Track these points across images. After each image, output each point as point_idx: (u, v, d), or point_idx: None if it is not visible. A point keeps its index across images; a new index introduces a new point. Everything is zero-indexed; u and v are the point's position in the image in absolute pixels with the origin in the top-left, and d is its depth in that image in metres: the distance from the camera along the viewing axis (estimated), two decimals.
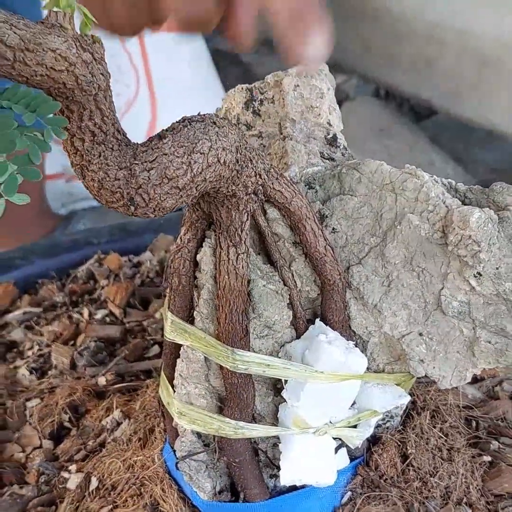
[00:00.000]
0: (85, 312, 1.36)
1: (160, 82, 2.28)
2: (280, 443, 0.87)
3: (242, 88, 0.92)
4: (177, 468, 0.86)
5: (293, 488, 0.90)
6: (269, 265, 0.83)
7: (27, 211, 1.98)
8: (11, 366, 1.26)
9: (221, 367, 0.83)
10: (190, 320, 0.83)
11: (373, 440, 0.96)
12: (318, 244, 0.80)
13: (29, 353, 1.29)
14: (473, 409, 1.09)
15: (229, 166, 0.72)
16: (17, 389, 1.21)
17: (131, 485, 0.94)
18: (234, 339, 0.79)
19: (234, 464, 0.84)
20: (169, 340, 0.83)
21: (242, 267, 0.78)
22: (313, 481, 0.84)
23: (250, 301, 0.81)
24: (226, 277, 0.78)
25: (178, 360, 0.84)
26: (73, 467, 1.03)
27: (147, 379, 1.18)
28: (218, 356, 0.80)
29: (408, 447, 0.95)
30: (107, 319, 1.36)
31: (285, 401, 0.85)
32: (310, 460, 0.84)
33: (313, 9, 0.82)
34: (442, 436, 0.98)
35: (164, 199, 0.68)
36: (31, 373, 1.23)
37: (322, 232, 0.81)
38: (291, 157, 0.85)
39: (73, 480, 1.00)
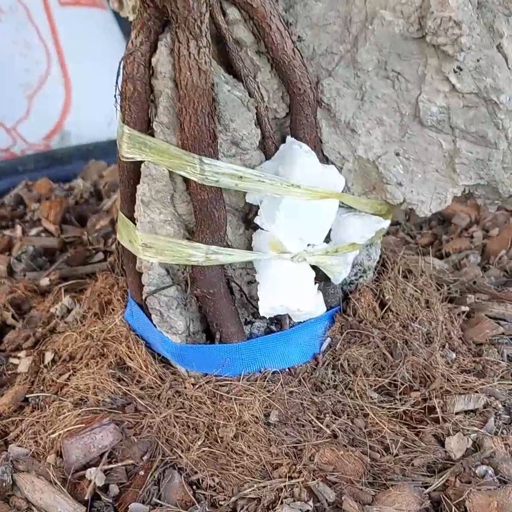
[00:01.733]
0: (18, 229, 1.27)
1: (71, 56, 2.20)
2: (255, 278, 0.80)
3: None
4: (145, 306, 0.78)
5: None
6: (231, 76, 0.77)
7: None
8: None
9: (187, 186, 0.76)
10: (149, 135, 0.76)
11: (348, 293, 0.90)
12: (285, 46, 0.74)
13: None
14: (443, 274, 1.04)
15: None
16: None
17: (91, 349, 0.85)
18: (201, 145, 0.72)
19: (208, 297, 0.77)
20: (126, 160, 0.76)
21: (205, 62, 0.71)
22: (295, 306, 0.77)
23: (215, 109, 0.74)
24: (188, 73, 0.71)
25: (139, 185, 0.76)
26: (22, 354, 0.94)
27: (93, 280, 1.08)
28: (184, 167, 0.73)
29: (385, 294, 0.90)
30: (43, 235, 1.26)
31: (258, 229, 0.78)
32: (290, 285, 0.77)
33: None
34: (417, 290, 0.93)
35: None
36: None
37: (289, 33, 0.75)
38: None
39: (24, 364, 0.91)
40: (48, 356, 0.89)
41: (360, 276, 0.91)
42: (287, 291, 0.77)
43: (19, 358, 0.94)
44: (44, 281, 1.09)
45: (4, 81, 1.93)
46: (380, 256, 0.93)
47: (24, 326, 0.99)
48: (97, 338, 0.86)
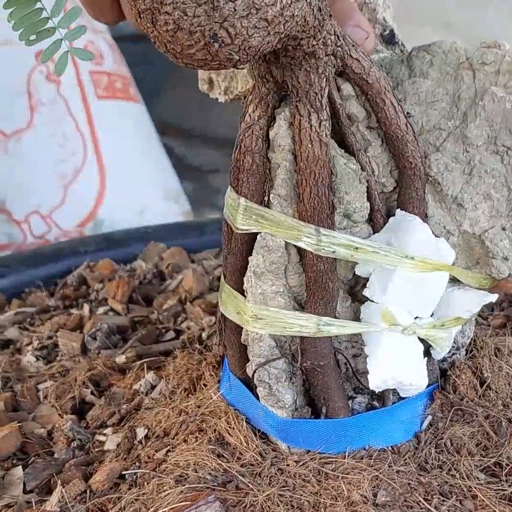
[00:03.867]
0: (85, 308, 1.26)
1: (106, 148, 2.25)
2: (361, 352, 0.79)
3: None
4: (251, 381, 0.77)
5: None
6: (343, 150, 0.77)
7: None
8: (13, 359, 1.14)
9: (301, 258, 0.75)
10: (265, 207, 0.76)
11: (444, 371, 0.88)
12: (399, 121, 0.75)
13: (29, 348, 1.17)
14: None
15: (313, 11, 0.67)
16: (24, 375, 1.08)
17: (188, 424, 0.83)
18: (320, 217, 0.73)
19: (317, 370, 0.76)
20: (241, 232, 0.76)
21: (326, 135, 0.72)
22: (407, 381, 0.76)
23: (332, 180, 0.74)
24: (309, 145, 0.72)
25: (251, 256, 0.76)
26: (108, 430, 0.92)
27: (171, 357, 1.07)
28: (301, 238, 0.73)
29: (483, 372, 0.88)
30: (110, 313, 1.25)
31: (364, 303, 0.78)
32: (401, 358, 0.76)
33: None
34: (510, 368, 0.92)
35: (251, 35, 0.62)
36: (37, 359, 1.11)
37: (402, 108, 0.76)
38: None
39: (112, 441, 0.89)
40: (141, 432, 0.87)
41: (453, 354, 0.89)
42: (399, 364, 0.76)
43: (105, 435, 0.92)
44: (120, 359, 1.08)
45: (41, 171, 1.96)
46: None
47: (107, 403, 0.97)
48: (193, 414, 0.85)
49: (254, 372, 0.77)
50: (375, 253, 0.74)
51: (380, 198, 0.79)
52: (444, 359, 0.88)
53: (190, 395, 0.89)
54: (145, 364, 1.02)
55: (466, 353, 0.92)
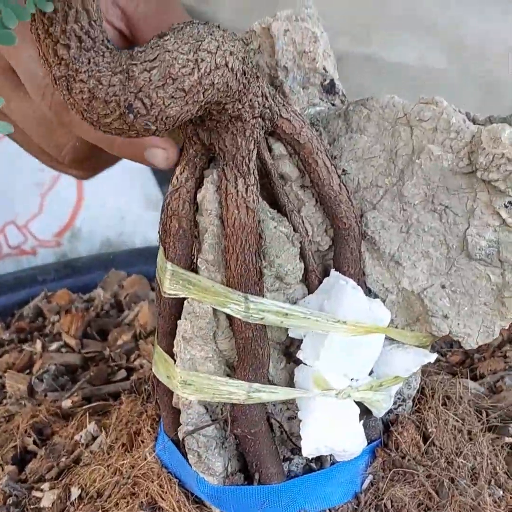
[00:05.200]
0: (38, 344, 1.24)
1: None
2: (296, 415, 0.77)
3: None
4: (183, 446, 0.75)
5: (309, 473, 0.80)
6: (276, 211, 0.75)
7: None
8: None
9: (231, 323, 0.73)
10: (193, 271, 0.74)
11: (388, 424, 0.87)
12: (332, 181, 0.73)
13: None
14: (482, 399, 1.01)
15: (236, 76, 0.64)
16: None
17: (121, 486, 0.81)
18: (248, 283, 0.70)
19: (248, 437, 0.74)
20: (168, 296, 0.73)
21: (253, 200, 0.70)
22: (340, 447, 0.74)
23: (260, 246, 0.72)
24: (236, 211, 0.70)
25: (180, 321, 0.74)
26: (45, 485, 0.90)
27: (117, 402, 1.05)
28: (229, 305, 0.71)
29: (427, 426, 0.86)
30: (63, 350, 1.23)
31: (300, 364, 0.76)
32: (334, 424, 0.74)
33: None
34: (458, 420, 0.90)
35: (168, 105, 0.60)
36: None
37: (335, 168, 0.73)
38: (290, 98, 0.78)
39: (48, 498, 0.87)
40: (75, 492, 0.85)
41: (399, 405, 0.88)
42: (332, 431, 0.74)
43: (42, 490, 0.90)
44: (66, 403, 1.06)
45: (18, 181, 1.94)
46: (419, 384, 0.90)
47: (46, 454, 0.95)
48: (126, 475, 0.83)
49: (182, 439, 0.75)
50: (306, 318, 0.72)
51: (316, 257, 0.76)
52: (390, 411, 0.86)
53: (127, 452, 0.87)
54: (87, 413, 0.99)
55: (414, 403, 0.89)
